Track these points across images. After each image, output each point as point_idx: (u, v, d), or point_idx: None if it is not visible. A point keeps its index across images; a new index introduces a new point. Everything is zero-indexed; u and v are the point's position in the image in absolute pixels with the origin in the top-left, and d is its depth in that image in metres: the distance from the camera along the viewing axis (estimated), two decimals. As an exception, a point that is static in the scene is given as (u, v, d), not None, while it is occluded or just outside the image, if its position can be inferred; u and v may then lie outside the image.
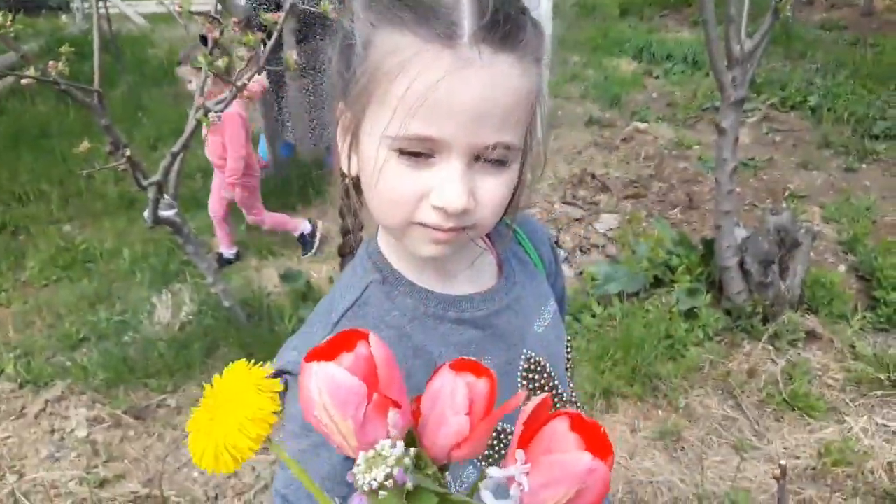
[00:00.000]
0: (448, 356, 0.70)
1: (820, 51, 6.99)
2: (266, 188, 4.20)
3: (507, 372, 0.75)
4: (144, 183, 2.06)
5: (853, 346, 2.73)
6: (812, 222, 3.74)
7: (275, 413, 0.40)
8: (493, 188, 0.63)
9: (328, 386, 0.41)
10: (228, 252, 3.59)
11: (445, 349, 0.72)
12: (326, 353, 0.43)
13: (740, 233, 2.87)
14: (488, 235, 0.78)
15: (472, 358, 0.71)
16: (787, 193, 4.16)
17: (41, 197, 4.25)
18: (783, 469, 0.73)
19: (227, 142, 3.25)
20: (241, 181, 3.34)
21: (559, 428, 0.43)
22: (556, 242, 3.53)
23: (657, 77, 6.75)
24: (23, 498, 2.16)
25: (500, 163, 0.62)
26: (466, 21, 0.57)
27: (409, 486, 0.39)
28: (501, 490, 0.44)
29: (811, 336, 2.78)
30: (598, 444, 0.42)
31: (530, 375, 0.78)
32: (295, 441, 0.64)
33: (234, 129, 3.22)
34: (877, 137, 4.88)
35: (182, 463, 2.31)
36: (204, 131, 3.37)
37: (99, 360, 2.70)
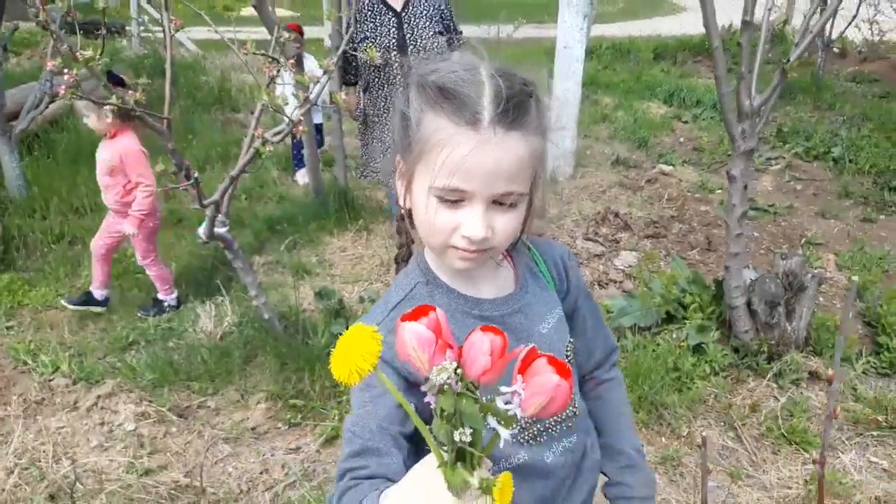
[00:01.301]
0: None
1: (848, 103, 7.13)
2: (306, 213, 4.47)
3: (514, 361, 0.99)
4: (205, 202, 2.31)
5: (855, 389, 2.86)
6: (825, 269, 3.88)
7: (380, 351, 0.66)
8: (505, 222, 0.88)
9: (414, 335, 0.67)
10: (100, 293, 3.47)
11: None
12: (413, 316, 0.70)
13: (749, 274, 3.03)
14: (511, 254, 1.04)
15: None
16: (803, 240, 4.30)
17: (97, 210, 4.53)
18: (705, 440, 0.91)
19: (138, 177, 3.19)
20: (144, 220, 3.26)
21: (541, 363, 0.69)
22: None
23: (686, 122, 6.91)
24: (76, 482, 2.38)
25: (512, 205, 0.88)
26: (486, 112, 0.82)
27: (458, 390, 0.65)
28: (508, 400, 0.70)
29: (814, 376, 2.92)
30: (563, 371, 0.68)
31: None
32: (360, 393, 0.91)
33: (141, 164, 3.18)
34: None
35: (218, 458, 2.52)
36: (101, 179, 3.26)
37: (147, 362, 2.95)
